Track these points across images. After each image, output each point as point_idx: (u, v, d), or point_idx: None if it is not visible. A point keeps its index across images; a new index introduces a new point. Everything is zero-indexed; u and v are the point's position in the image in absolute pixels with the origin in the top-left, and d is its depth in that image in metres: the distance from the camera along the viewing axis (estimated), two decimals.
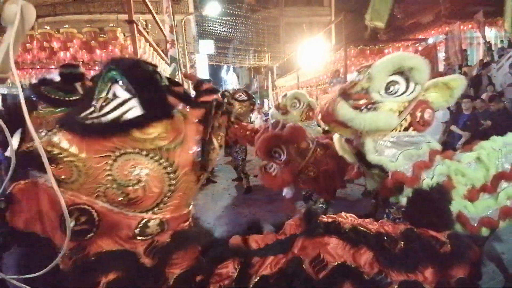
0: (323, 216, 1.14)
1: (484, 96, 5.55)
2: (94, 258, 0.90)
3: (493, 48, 9.65)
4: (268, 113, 12.75)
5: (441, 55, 10.23)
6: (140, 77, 0.90)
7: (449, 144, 5.22)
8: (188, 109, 0.99)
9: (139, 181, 0.87)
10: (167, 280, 0.98)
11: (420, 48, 9.29)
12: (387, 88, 1.68)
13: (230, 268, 1.02)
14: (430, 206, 1.16)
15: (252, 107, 5.10)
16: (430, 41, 9.91)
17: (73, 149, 0.85)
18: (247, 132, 4.90)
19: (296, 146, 2.94)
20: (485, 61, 8.59)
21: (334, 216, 1.14)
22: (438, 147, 1.89)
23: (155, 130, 0.88)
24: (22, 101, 0.81)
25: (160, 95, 0.91)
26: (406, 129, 1.74)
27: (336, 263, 0.99)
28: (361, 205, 4.12)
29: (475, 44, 11.02)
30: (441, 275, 0.98)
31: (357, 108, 1.66)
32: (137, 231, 0.94)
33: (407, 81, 1.68)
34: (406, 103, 1.70)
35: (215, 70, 32.30)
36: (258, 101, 22.76)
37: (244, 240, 1.17)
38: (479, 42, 10.41)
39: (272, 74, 18.55)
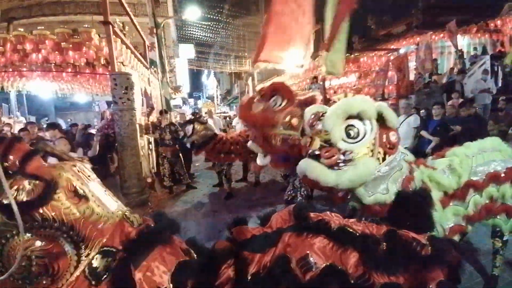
0: (311, 213, 1.12)
1: (452, 102, 5.85)
2: None
3: (465, 56, 10.16)
4: None
5: (412, 64, 10.71)
6: None
7: (419, 149, 5.46)
8: None
9: (29, 258, 0.85)
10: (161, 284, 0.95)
11: (392, 58, 9.69)
12: (348, 134, 1.70)
13: (229, 271, 1.02)
14: (412, 208, 1.19)
15: (200, 121, 5.25)
16: (402, 51, 10.36)
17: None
18: (231, 146, 4.91)
19: (292, 113, 2.92)
20: (455, 69, 9.06)
21: (320, 214, 1.13)
22: (411, 156, 1.95)
23: None
24: None
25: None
26: (384, 159, 1.77)
27: (323, 265, 0.98)
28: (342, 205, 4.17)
29: (446, 53, 11.59)
30: (421, 277, 0.99)
31: (332, 165, 1.66)
32: (93, 279, 0.90)
33: (361, 119, 1.72)
34: (372, 141, 1.73)
35: (195, 75, 32.05)
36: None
37: (230, 240, 1.15)
38: (450, 51, 10.95)
39: (253, 80, 18.65)
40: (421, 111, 5.93)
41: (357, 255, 1.01)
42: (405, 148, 5.74)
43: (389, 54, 10.52)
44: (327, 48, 4.63)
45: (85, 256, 0.91)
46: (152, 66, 6.89)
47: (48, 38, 5.46)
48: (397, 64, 9.03)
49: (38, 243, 0.85)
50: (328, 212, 1.19)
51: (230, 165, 5.42)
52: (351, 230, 1.07)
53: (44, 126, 6.65)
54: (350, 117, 1.71)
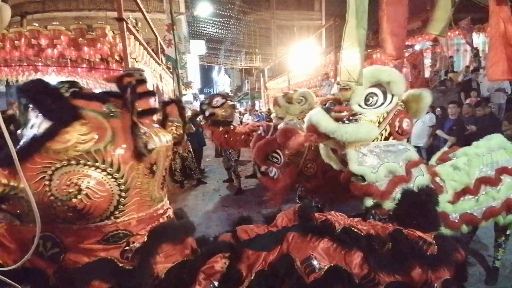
0: (316, 213, 1.12)
1: (469, 101, 5.71)
2: (73, 273, 0.91)
3: (480, 54, 9.90)
4: (259, 115, 12.77)
5: (428, 61, 10.46)
6: (38, 94, 0.89)
7: (435, 148, 5.36)
8: (117, 107, 0.99)
9: (79, 191, 0.86)
10: (157, 276, 0.97)
11: (406, 54, 9.48)
12: (366, 100, 1.78)
13: (219, 263, 1.01)
14: (418, 207, 1.18)
15: (232, 103, 5.08)
16: (417, 47, 10.13)
17: (12, 183, 0.86)
18: (241, 137, 4.91)
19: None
20: (471, 67, 8.82)
21: (324, 214, 1.13)
22: (416, 157, 1.92)
23: (70, 136, 0.87)
24: None
25: (60, 102, 0.89)
26: (386, 139, 1.81)
27: (327, 266, 0.98)
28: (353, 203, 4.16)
29: (462, 51, 11.28)
30: (427, 276, 0.98)
31: (338, 119, 1.75)
32: (104, 240, 0.95)
33: (385, 93, 1.77)
34: (385, 114, 1.79)
35: (206, 71, 32.18)
36: (249, 103, 22.79)
37: (234, 236, 1.16)
38: (466, 48, 10.67)
39: (264, 76, 18.60)
40: (436, 110, 5.81)
41: (361, 255, 1.01)
42: (420, 147, 5.67)
43: (403, 51, 10.28)
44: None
45: (115, 218, 0.95)
46: (169, 63, 6.95)
47: (63, 34, 5.57)
48: (412, 61, 8.85)
49: (95, 181, 0.89)
50: (333, 212, 1.19)
51: (236, 162, 5.45)
52: (355, 231, 1.06)
53: None
54: (376, 85, 1.78)
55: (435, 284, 0.98)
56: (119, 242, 0.96)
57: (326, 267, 0.98)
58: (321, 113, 1.79)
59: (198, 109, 5.91)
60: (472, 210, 1.97)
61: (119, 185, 0.92)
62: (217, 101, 4.87)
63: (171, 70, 9.25)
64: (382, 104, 1.78)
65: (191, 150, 6.06)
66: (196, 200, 5.23)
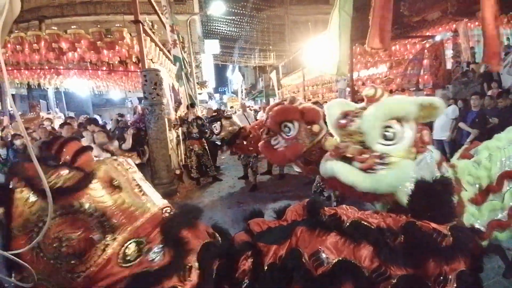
0: (325, 208, 1.12)
1: (491, 92, 5.48)
2: None
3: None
4: None
5: (449, 52, 10.06)
6: None
7: (457, 141, 5.18)
8: None
9: (60, 241, 0.92)
10: (188, 266, 1.01)
11: (427, 45, 9.15)
12: (384, 136, 1.58)
13: (247, 264, 1.04)
14: (432, 198, 1.16)
15: (227, 115, 5.49)
16: (438, 38, 9.75)
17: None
18: (257, 141, 5.03)
19: (308, 126, 2.84)
20: None
21: (335, 208, 1.13)
22: (438, 156, 1.83)
23: (17, 211, 0.93)
24: (10, 99, 0.88)
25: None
26: (414, 158, 1.66)
27: (335, 260, 0.99)
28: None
29: (482, 42, 10.83)
30: (441, 269, 0.96)
31: (367, 169, 1.55)
32: (122, 261, 0.98)
33: (400, 121, 1.60)
34: (411, 143, 1.62)
35: (220, 70, 32.43)
36: (264, 100, 22.76)
37: (247, 231, 1.18)
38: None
39: (278, 73, 18.51)
40: (458, 102, 5.61)
41: (371, 249, 1.00)
42: (443, 140, 5.46)
43: (424, 42, 9.92)
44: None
45: (112, 240, 0.98)
46: (176, 62, 7.09)
47: (83, 37, 5.78)
48: (433, 52, 8.54)
49: (70, 226, 0.94)
50: (344, 206, 1.18)
51: (256, 158, 5.49)
52: (365, 224, 1.05)
53: (82, 122, 7.08)
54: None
55: (449, 276, 0.97)
56: (136, 259, 0.99)
57: (334, 261, 0.98)
58: (347, 169, 1.56)
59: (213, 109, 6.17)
60: (497, 213, 1.83)
61: (91, 215, 0.96)
62: (215, 127, 5.18)
63: (186, 70, 9.41)
64: (402, 135, 1.60)
65: (206, 147, 6.16)
66: (212, 197, 5.32)
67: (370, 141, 1.57)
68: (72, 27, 6.60)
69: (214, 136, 5.23)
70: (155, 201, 1.16)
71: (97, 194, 0.99)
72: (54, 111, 10.99)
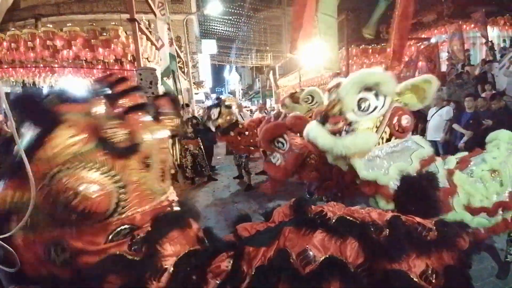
0: (312, 206, 1.12)
1: (484, 94, 5.53)
2: (86, 273, 0.93)
3: (495, 48, 9.60)
4: (270, 112, 12.74)
5: (444, 54, 10.16)
6: (22, 105, 0.91)
7: (451, 143, 5.21)
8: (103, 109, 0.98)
9: (76, 194, 0.87)
10: (163, 268, 0.99)
11: (422, 48, 9.23)
12: (359, 106, 1.70)
13: (224, 263, 1.03)
14: (418, 192, 1.16)
15: (227, 104, 5.28)
16: (433, 40, 9.85)
17: (18, 194, 0.90)
18: (250, 140, 5.05)
19: (298, 135, 2.93)
20: (487, 60, 8.55)
21: (321, 206, 1.13)
22: (428, 153, 1.84)
23: (57, 141, 0.87)
24: (3, 97, 0.87)
25: (41, 109, 0.90)
26: (388, 140, 1.75)
27: (322, 257, 0.98)
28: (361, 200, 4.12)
29: (478, 44, 10.96)
30: (427, 262, 0.96)
31: (335, 132, 1.70)
32: (111, 237, 0.96)
33: (376, 95, 1.70)
34: (381, 118, 1.72)
35: (217, 70, 32.37)
36: (261, 101, 22.79)
37: (235, 236, 1.17)
38: (482, 42, 10.37)
39: (275, 74, 18.53)
40: (450, 103, 5.66)
41: (357, 244, 1.00)
42: (437, 141, 5.52)
43: (419, 44, 10.01)
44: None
45: (118, 214, 0.96)
46: (173, 61, 7.05)
47: (78, 35, 5.74)
48: (428, 54, 8.62)
49: (92, 183, 0.90)
50: (331, 203, 1.18)
51: (248, 158, 5.49)
52: (350, 219, 1.05)
53: None
54: (366, 90, 1.70)
55: (437, 271, 0.96)
56: (126, 237, 0.98)
57: (321, 259, 0.98)
58: (317, 129, 1.75)
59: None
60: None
61: (115, 182, 0.94)
62: (213, 113, 5.11)
63: (183, 69, 9.39)
64: (376, 107, 1.71)
65: (202, 147, 6.14)
66: (207, 196, 5.30)
67: (345, 108, 1.69)
68: (68, 25, 6.55)
69: (210, 121, 5.13)
70: (167, 190, 1.14)
71: (129, 166, 0.97)
72: None
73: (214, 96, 33.14)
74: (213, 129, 5.21)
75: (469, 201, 1.88)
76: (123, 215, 0.97)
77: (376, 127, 1.71)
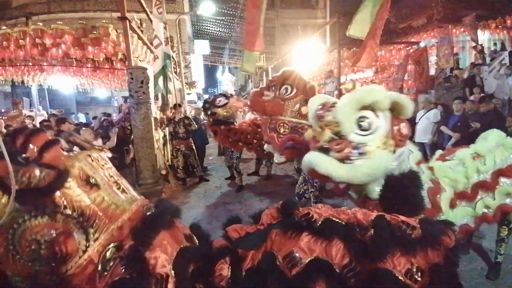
0: (299, 208, 1.12)
1: (473, 97, 5.65)
2: None
3: (485, 51, 9.80)
4: None
5: (433, 58, 10.35)
6: None
7: (438, 144, 5.31)
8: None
9: (39, 244, 0.89)
10: (165, 275, 0.98)
11: (411, 51, 9.39)
12: (359, 126, 1.58)
13: (225, 270, 1.04)
14: (401, 191, 1.17)
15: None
16: (422, 44, 10.02)
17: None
18: (245, 136, 5.00)
19: (301, 102, 3.00)
20: (476, 63, 8.74)
21: (309, 208, 1.13)
22: (418, 156, 1.88)
23: None
24: None
25: None
26: (394, 152, 1.67)
27: (308, 259, 0.99)
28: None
29: (467, 48, 11.18)
30: (412, 260, 0.97)
31: (343, 159, 1.54)
32: (101, 268, 0.94)
33: (374, 111, 1.61)
34: (385, 133, 1.62)
35: (210, 71, 32.24)
36: None
37: (226, 238, 1.17)
38: (472, 45, 10.59)
39: (267, 75, 18.55)
40: (438, 106, 5.77)
41: (342, 245, 1.01)
42: (424, 143, 5.62)
43: (408, 48, 10.18)
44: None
45: (94, 241, 0.95)
46: (168, 61, 6.99)
47: (66, 33, 5.63)
48: (416, 58, 8.77)
49: (47, 228, 0.90)
50: (319, 205, 1.18)
51: (239, 159, 5.48)
52: (336, 220, 1.06)
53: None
54: (362, 108, 1.60)
55: (422, 269, 0.97)
56: (116, 259, 0.97)
57: (307, 261, 0.99)
58: (324, 160, 1.55)
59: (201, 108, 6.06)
60: (468, 219, 1.94)
61: (69, 215, 0.93)
62: (220, 101, 4.98)
63: (175, 69, 9.31)
64: (378, 125, 1.59)
65: (193, 147, 6.10)
66: (198, 197, 5.27)
67: (346, 130, 1.56)
68: (58, 22, 6.43)
69: (212, 106, 4.95)
70: (134, 198, 1.13)
71: (73, 194, 0.96)
72: (37, 109, 10.66)
73: (206, 96, 33.01)
74: (208, 112, 5.01)
75: (455, 190, 1.93)
76: (101, 239, 0.96)
77: (383, 143, 1.60)
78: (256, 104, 3.13)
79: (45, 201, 0.90)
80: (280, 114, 2.96)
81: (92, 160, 1.09)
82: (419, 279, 0.96)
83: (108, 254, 0.95)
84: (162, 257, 1.00)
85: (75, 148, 1.26)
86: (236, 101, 5.10)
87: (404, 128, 1.72)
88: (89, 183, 1.00)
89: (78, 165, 1.01)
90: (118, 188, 1.10)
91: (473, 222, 1.97)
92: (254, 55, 6.39)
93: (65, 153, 1.07)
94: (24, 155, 0.96)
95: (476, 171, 2.01)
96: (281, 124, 2.97)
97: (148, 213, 1.10)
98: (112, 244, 0.97)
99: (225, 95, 5.23)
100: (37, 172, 0.91)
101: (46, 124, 5.18)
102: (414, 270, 0.96)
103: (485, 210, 1.99)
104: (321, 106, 1.75)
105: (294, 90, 2.99)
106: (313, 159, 1.58)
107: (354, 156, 1.54)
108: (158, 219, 1.07)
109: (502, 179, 2.00)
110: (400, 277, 0.95)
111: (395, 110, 1.67)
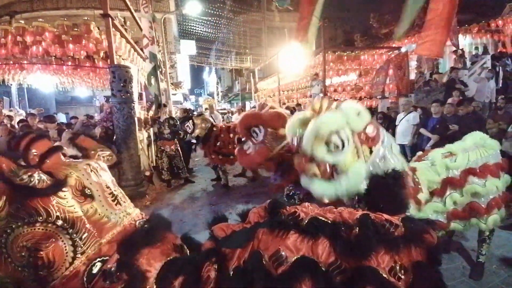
0: (286, 208, 1.13)
1: (451, 100, 5.86)
2: None
3: (466, 56, 10.16)
4: None
5: (413, 63, 10.67)
6: None
7: (418, 146, 5.47)
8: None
9: (28, 251, 0.89)
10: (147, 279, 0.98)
11: (392, 56, 9.65)
12: (328, 149, 1.66)
13: (212, 272, 1.04)
14: (385, 191, 1.20)
15: (198, 113, 5.70)
16: (403, 49, 10.32)
17: None
18: (233, 137, 5.07)
19: (274, 130, 2.92)
20: (455, 67, 9.06)
21: (296, 207, 1.14)
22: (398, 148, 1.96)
23: None
24: None
25: None
26: (371, 152, 1.72)
27: (294, 258, 1.00)
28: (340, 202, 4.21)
29: (448, 53, 11.58)
30: (395, 258, 0.99)
31: (329, 178, 1.67)
32: (86, 282, 0.94)
33: (338, 133, 1.66)
34: (353, 145, 1.68)
35: (196, 71, 32.06)
36: (240, 103, 22.76)
37: (212, 237, 1.16)
38: (452, 50, 10.97)
39: (254, 77, 18.61)
40: (417, 109, 5.96)
41: (328, 243, 1.02)
42: (404, 145, 5.75)
43: (389, 53, 10.47)
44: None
45: (81, 254, 0.95)
46: (154, 60, 6.88)
47: (47, 30, 5.45)
48: (397, 63, 9.02)
49: (38, 237, 0.90)
50: (306, 204, 1.20)
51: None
52: (322, 219, 1.08)
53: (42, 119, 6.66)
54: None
55: (405, 267, 0.99)
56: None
57: (293, 259, 1.00)
58: (315, 185, 1.68)
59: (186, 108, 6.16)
60: (438, 215, 1.99)
61: (60, 225, 0.93)
62: (188, 126, 5.36)
63: (161, 69, 9.17)
64: (346, 141, 1.65)
65: (179, 148, 6.02)
66: (183, 199, 5.19)
67: (319, 158, 1.65)
68: (39, 20, 6.21)
69: (189, 135, 5.28)
70: (129, 211, 1.13)
71: (67, 204, 0.96)
72: (16, 109, 10.27)
73: (192, 97, 32.68)
74: (195, 141, 5.48)
75: (430, 189, 1.99)
76: (88, 252, 0.96)
77: (356, 153, 1.68)
78: (246, 161, 3.10)
79: (38, 208, 0.90)
80: (268, 155, 2.93)
81: (91, 170, 1.09)
82: (402, 276, 0.98)
83: (93, 269, 0.95)
84: (147, 268, 1.00)
85: (77, 149, 1.26)
86: (200, 121, 5.33)
87: (369, 129, 1.74)
88: (84, 194, 1.01)
89: (76, 175, 1.02)
90: (113, 200, 1.10)
91: (444, 218, 2.02)
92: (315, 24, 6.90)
93: (66, 160, 1.08)
94: (26, 159, 0.98)
95: (445, 167, 2.08)
96: (279, 158, 3.01)
97: (139, 228, 1.10)
98: (98, 259, 0.97)
99: (184, 117, 5.60)
100: (36, 174, 0.93)
101: (24, 124, 4.97)
102: (397, 267, 0.98)
103: (454, 206, 2.04)
104: (291, 138, 1.89)
105: (262, 130, 2.92)
106: (306, 184, 1.76)
107: (335, 173, 1.67)
108: (148, 235, 1.07)
109: (472, 178, 2.05)
110: (384, 275, 0.97)
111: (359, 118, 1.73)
